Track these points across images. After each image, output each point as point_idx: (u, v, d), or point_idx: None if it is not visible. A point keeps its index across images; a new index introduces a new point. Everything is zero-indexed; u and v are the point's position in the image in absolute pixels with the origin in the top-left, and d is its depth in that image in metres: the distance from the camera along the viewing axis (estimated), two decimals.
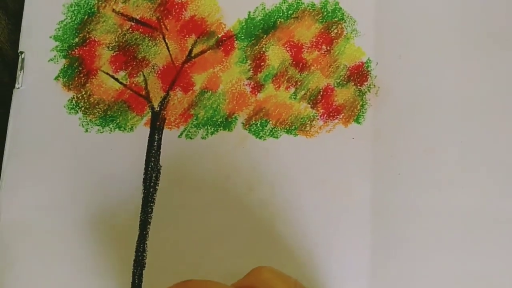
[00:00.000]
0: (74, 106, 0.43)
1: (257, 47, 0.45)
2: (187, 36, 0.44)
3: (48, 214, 0.42)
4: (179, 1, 0.45)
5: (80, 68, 0.44)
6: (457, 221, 0.42)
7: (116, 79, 0.44)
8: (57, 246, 0.42)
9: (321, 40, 0.45)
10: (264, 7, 0.45)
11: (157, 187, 0.43)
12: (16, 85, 0.44)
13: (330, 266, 0.41)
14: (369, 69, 0.44)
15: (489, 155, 0.43)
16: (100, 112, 0.43)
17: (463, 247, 0.42)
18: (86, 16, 0.44)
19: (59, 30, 0.44)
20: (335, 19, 0.45)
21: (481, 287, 0.42)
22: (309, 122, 0.44)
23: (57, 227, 0.42)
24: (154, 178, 0.43)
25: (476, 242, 0.42)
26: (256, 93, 0.44)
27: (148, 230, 0.42)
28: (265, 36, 0.45)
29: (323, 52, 0.45)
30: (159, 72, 0.44)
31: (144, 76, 0.44)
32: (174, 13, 0.45)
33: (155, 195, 0.42)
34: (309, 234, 0.42)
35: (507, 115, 0.44)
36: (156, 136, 0.43)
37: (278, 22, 0.45)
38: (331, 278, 0.41)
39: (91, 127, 0.43)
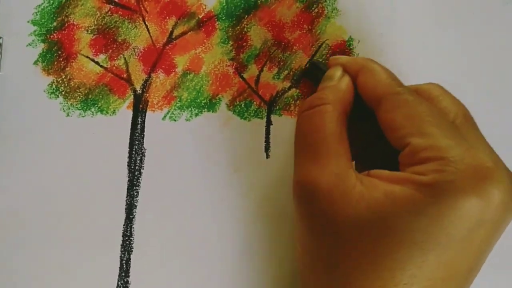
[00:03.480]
0: (54, 91, 0.43)
1: (238, 27, 0.44)
2: (167, 17, 0.44)
3: (30, 201, 0.41)
4: None
5: (59, 52, 0.43)
6: None
7: (97, 63, 0.43)
8: (41, 233, 0.41)
9: (302, 20, 0.45)
10: None
11: (142, 170, 0.42)
12: None
13: None
14: (351, 47, 0.45)
15: None
16: (81, 96, 0.43)
17: None
18: (64, 0, 0.43)
19: (36, 15, 0.43)
20: None
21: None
22: (293, 102, 0.43)
23: (40, 213, 0.41)
24: (138, 162, 0.42)
25: None
26: (239, 73, 0.44)
27: (134, 214, 0.42)
28: (246, 16, 0.44)
29: (304, 31, 0.44)
30: (140, 55, 0.43)
31: (125, 58, 0.43)
32: None
33: (140, 178, 0.42)
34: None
35: (488, 89, 0.45)
36: (139, 119, 0.43)
37: (258, 1, 0.44)
38: None
39: (73, 111, 0.42)
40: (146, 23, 0.44)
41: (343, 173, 0.33)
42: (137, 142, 0.42)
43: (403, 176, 0.32)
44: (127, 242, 0.41)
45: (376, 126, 0.36)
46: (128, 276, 0.41)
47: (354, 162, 0.39)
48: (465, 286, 0.33)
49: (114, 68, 0.43)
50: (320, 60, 0.44)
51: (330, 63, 0.40)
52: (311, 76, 0.42)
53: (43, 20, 0.43)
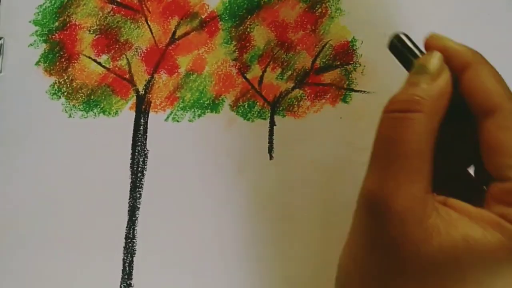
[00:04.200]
0: (56, 92, 0.42)
1: (241, 27, 0.44)
2: (170, 17, 0.44)
3: (33, 202, 0.41)
4: None
5: (61, 53, 0.43)
6: None
7: (99, 63, 0.43)
8: (43, 235, 0.41)
9: (305, 20, 0.44)
10: None
11: (144, 171, 0.42)
12: None
13: (325, 247, 0.41)
14: (354, 48, 0.44)
15: None
16: (83, 97, 0.42)
17: None
18: (66, 0, 0.43)
19: (38, 15, 0.43)
20: None
21: None
22: (296, 103, 0.43)
23: (42, 215, 0.41)
24: (141, 163, 0.42)
25: None
26: (243, 74, 0.43)
27: (137, 216, 0.41)
28: (249, 16, 0.44)
29: (308, 31, 0.44)
30: (142, 55, 0.43)
31: (127, 59, 0.43)
32: None
33: (143, 180, 0.42)
34: (299, 215, 0.41)
35: None
36: (142, 120, 0.42)
37: (262, 2, 0.44)
38: (321, 259, 0.41)
39: (75, 112, 0.42)
40: (149, 23, 0.43)
41: (422, 198, 0.29)
42: (139, 143, 0.42)
43: (489, 217, 0.28)
44: (130, 245, 0.41)
45: (468, 138, 0.32)
46: (131, 279, 0.41)
47: None
48: None
49: (116, 68, 0.43)
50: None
51: (428, 43, 0.33)
52: (399, 53, 0.35)
53: (44, 20, 0.43)
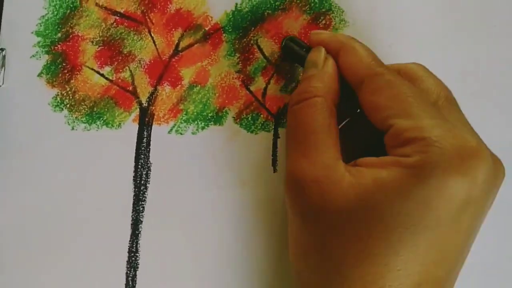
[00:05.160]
0: (59, 104, 0.42)
1: (245, 39, 0.44)
2: (173, 29, 0.43)
3: (35, 215, 0.41)
4: None
5: (64, 64, 0.42)
6: None
7: (102, 75, 0.43)
8: (46, 248, 0.41)
9: (309, 31, 0.44)
10: None
11: (148, 185, 0.42)
12: None
13: None
14: None
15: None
16: (86, 109, 0.42)
17: None
18: (69, 11, 0.43)
19: (41, 26, 0.43)
20: (323, 9, 0.44)
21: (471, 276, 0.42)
22: None
23: (44, 228, 0.41)
24: (144, 176, 0.42)
25: None
26: (246, 86, 0.43)
27: (140, 229, 0.41)
28: (253, 28, 0.44)
29: None
30: (146, 67, 0.43)
31: (130, 71, 0.43)
32: (159, 6, 0.43)
33: (146, 193, 0.41)
34: None
35: (496, 100, 0.45)
36: (145, 133, 0.42)
37: (265, 13, 0.44)
38: None
39: (78, 124, 0.42)
40: (152, 35, 0.43)
41: (332, 165, 0.33)
42: (142, 156, 0.42)
43: (389, 160, 0.32)
44: (133, 259, 0.41)
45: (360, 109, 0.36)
46: None
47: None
48: (456, 267, 0.33)
49: (119, 80, 0.43)
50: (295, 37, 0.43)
51: (311, 40, 0.40)
52: (291, 55, 0.42)
53: (47, 31, 0.43)
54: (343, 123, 0.40)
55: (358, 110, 0.38)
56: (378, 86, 0.34)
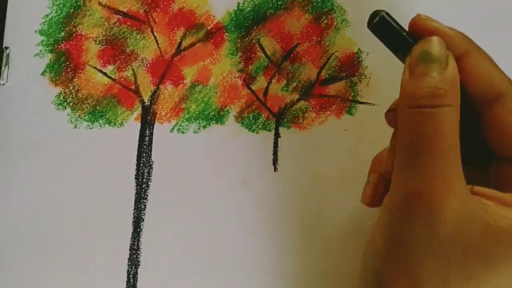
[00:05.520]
0: (62, 102, 0.42)
1: (247, 38, 0.44)
2: (175, 28, 0.44)
3: (37, 213, 0.41)
4: None
5: (67, 63, 0.43)
6: None
7: (105, 74, 0.43)
8: (48, 245, 0.41)
9: (311, 31, 0.44)
10: None
11: (149, 183, 0.42)
12: (1, 82, 0.43)
13: (330, 259, 0.41)
14: (360, 59, 0.44)
15: None
16: (89, 108, 0.42)
17: None
18: (72, 10, 0.43)
19: (44, 24, 0.43)
20: (325, 9, 0.45)
21: None
22: (301, 114, 0.43)
23: (46, 226, 0.41)
24: (146, 174, 0.42)
25: None
26: (248, 85, 0.43)
27: (141, 227, 0.41)
28: (255, 27, 0.44)
29: (313, 43, 0.44)
30: (148, 66, 0.43)
31: (133, 70, 0.43)
32: (162, 6, 0.44)
33: (148, 191, 0.42)
34: (304, 227, 0.41)
35: None
36: (147, 131, 0.42)
37: (267, 13, 0.44)
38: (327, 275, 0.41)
39: (80, 123, 0.42)
40: (155, 34, 0.43)
41: (467, 193, 0.29)
42: (145, 154, 0.42)
43: None
44: (134, 256, 0.41)
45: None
46: None
47: None
48: None
49: (122, 79, 0.43)
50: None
51: (420, 25, 0.32)
52: (386, 35, 0.33)
53: (50, 30, 0.43)
54: None
55: None
56: None
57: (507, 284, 0.28)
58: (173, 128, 0.43)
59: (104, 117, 0.42)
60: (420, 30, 0.31)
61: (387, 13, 0.32)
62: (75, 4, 0.43)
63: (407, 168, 0.29)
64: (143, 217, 0.41)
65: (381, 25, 0.33)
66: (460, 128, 0.29)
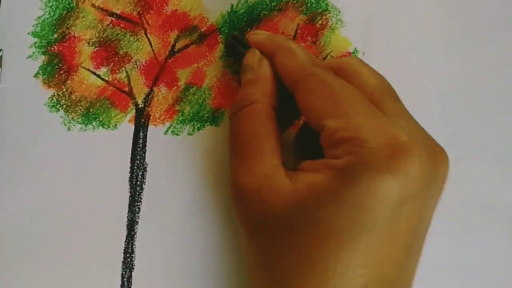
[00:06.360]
0: (55, 104, 0.42)
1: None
2: (169, 31, 0.43)
3: (30, 216, 0.41)
4: None
5: (60, 65, 0.42)
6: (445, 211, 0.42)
7: (98, 76, 0.43)
8: (42, 248, 0.41)
9: (306, 32, 0.44)
10: (247, 0, 0.44)
11: (143, 185, 0.42)
12: None
13: None
14: None
15: (477, 145, 0.43)
16: (82, 110, 0.42)
17: (451, 236, 0.42)
18: (65, 12, 0.43)
19: (37, 26, 0.43)
20: (319, 9, 0.44)
21: (468, 276, 0.42)
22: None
23: (39, 229, 0.41)
24: (140, 177, 0.42)
25: (463, 232, 0.43)
26: None
27: (136, 230, 0.41)
28: (249, 29, 0.44)
29: (308, 43, 0.44)
30: (142, 68, 0.43)
31: (126, 72, 0.43)
32: (155, 8, 0.43)
33: (142, 194, 0.42)
34: None
35: (493, 105, 0.45)
36: (141, 133, 0.42)
37: (261, 14, 0.44)
38: None
39: (74, 125, 0.42)
40: (148, 36, 0.43)
41: (270, 172, 0.33)
42: (138, 157, 0.42)
43: (321, 162, 0.32)
44: (129, 259, 0.41)
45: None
46: None
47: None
48: (407, 265, 0.32)
49: (115, 81, 0.43)
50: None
51: (249, 40, 0.40)
52: (234, 52, 0.42)
53: (43, 32, 0.43)
54: (290, 126, 0.41)
55: None
56: (311, 86, 0.34)
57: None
58: (167, 130, 0.43)
59: (97, 119, 0.42)
60: (252, 45, 0.39)
61: (234, 36, 0.42)
62: (68, 6, 0.43)
63: (230, 166, 0.36)
64: (137, 220, 0.41)
65: (228, 48, 0.43)
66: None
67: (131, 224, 0.41)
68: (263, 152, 0.34)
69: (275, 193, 0.32)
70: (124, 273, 0.41)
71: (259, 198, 0.33)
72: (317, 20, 0.44)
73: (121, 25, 0.43)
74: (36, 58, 0.43)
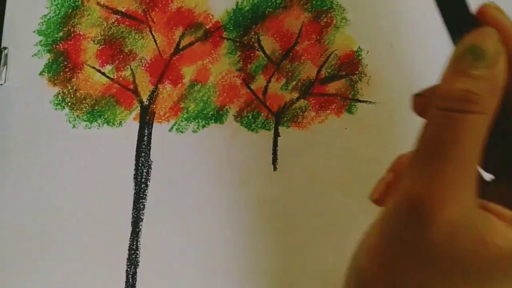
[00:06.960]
0: (60, 102, 0.42)
1: (246, 37, 0.44)
2: (174, 28, 0.43)
3: (35, 213, 0.41)
4: None
5: (66, 63, 0.43)
6: None
7: (103, 73, 0.43)
8: (47, 245, 0.41)
9: (310, 30, 0.44)
10: None
11: (148, 182, 0.42)
12: None
13: (329, 258, 0.41)
14: (360, 57, 0.44)
15: None
16: (87, 107, 0.42)
17: None
18: (70, 10, 0.43)
19: (43, 25, 0.43)
20: (324, 7, 0.44)
21: None
22: (301, 113, 0.43)
23: (46, 225, 0.41)
24: (145, 174, 0.42)
25: None
26: (247, 84, 0.43)
27: (140, 227, 0.41)
28: (254, 26, 0.44)
29: (313, 41, 0.44)
30: (147, 65, 0.43)
31: (131, 69, 0.43)
32: (160, 5, 0.44)
33: (146, 191, 0.42)
34: (302, 227, 0.41)
35: None
36: (146, 131, 0.42)
37: (266, 11, 0.44)
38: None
39: (79, 122, 0.42)
40: (153, 33, 0.43)
41: (472, 206, 0.26)
42: (143, 154, 0.42)
43: None
44: (133, 256, 0.41)
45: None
46: None
47: None
48: None
49: (120, 79, 0.43)
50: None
51: (482, 14, 0.28)
52: (449, 12, 0.29)
53: (49, 30, 0.43)
54: None
55: None
56: None
57: None
58: (171, 128, 0.43)
59: (102, 117, 0.42)
60: (485, 21, 0.28)
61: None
62: (73, 4, 0.43)
63: (418, 171, 0.27)
64: (142, 217, 0.41)
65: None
66: (494, 137, 0.27)
67: (136, 221, 0.41)
68: (473, 177, 0.26)
69: (469, 237, 0.26)
70: (129, 269, 0.41)
71: (450, 234, 0.26)
72: (322, 18, 0.44)
73: (126, 23, 0.43)
74: (42, 56, 0.43)
